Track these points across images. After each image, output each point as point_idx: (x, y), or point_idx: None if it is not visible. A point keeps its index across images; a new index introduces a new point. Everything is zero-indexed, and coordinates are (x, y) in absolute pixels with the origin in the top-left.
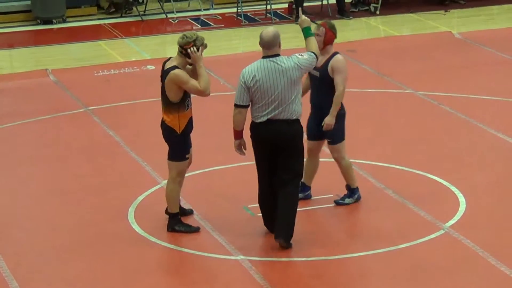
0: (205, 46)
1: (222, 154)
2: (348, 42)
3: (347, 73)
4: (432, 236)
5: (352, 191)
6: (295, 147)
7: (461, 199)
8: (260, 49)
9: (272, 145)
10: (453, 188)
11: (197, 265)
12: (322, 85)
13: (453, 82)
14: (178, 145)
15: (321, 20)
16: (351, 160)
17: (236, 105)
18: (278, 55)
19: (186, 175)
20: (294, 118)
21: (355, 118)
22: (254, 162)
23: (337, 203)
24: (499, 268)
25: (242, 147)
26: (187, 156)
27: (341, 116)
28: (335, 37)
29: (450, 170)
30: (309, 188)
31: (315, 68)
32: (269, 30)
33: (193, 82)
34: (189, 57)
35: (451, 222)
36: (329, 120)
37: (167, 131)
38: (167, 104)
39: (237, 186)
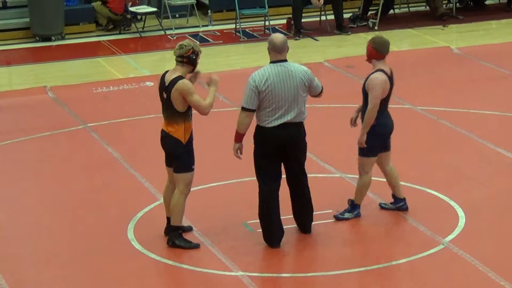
0: (200, 52)
1: (221, 170)
2: (346, 57)
3: (380, 92)
4: (432, 251)
5: (353, 207)
6: (304, 148)
7: (461, 213)
8: (259, 64)
9: (281, 149)
10: (452, 203)
11: (196, 281)
12: (363, 99)
13: (452, 97)
14: (185, 156)
15: (318, 36)
16: (350, 175)
17: (244, 109)
18: (286, 60)
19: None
20: (302, 121)
21: (355, 133)
22: (252, 178)
23: (337, 218)
24: (499, 283)
25: (239, 151)
26: (193, 167)
27: (371, 131)
28: (377, 53)
29: (450, 185)
30: (401, 200)
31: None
32: (279, 35)
33: (197, 96)
34: (192, 64)
35: (451, 236)
36: (359, 138)
37: (172, 143)
38: (173, 115)
39: (236, 202)
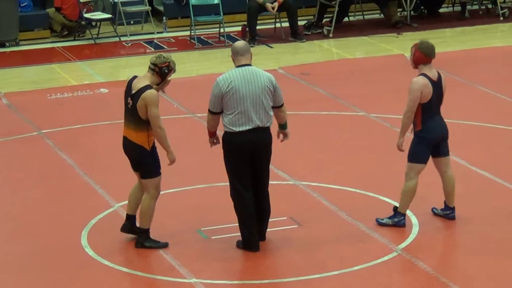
0: (174, 71)
1: (176, 177)
2: (301, 65)
3: (416, 96)
4: (386, 258)
5: (396, 215)
6: (270, 154)
7: (414, 221)
8: (214, 71)
9: (250, 153)
10: (406, 210)
11: None
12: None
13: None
14: (151, 162)
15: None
16: (304, 182)
17: (210, 111)
18: (251, 65)
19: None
20: (269, 125)
21: (309, 140)
22: (207, 185)
23: (377, 221)
24: None
25: (215, 140)
26: (160, 171)
27: (418, 138)
28: (425, 57)
29: None
30: (450, 208)
31: None
32: (240, 41)
33: (158, 111)
34: (161, 76)
35: (404, 244)
36: (397, 141)
37: (136, 150)
38: (137, 122)
39: (190, 209)
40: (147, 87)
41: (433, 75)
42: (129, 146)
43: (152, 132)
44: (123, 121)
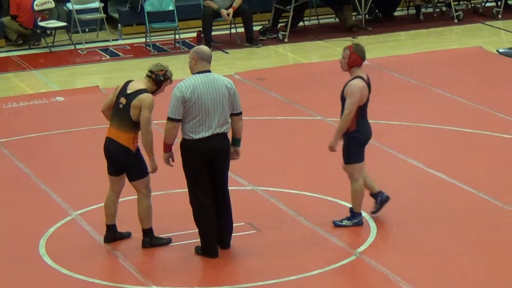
0: (171, 82)
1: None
2: (257, 70)
3: (358, 98)
4: (344, 262)
5: (353, 215)
6: (229, 158)
7: (372, 224)
8: None
9: (210, 159)
10: (363, 214)
11: None
12: (342, 106)
13: None
14: (138, 163)
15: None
16: (262, 188)
17: (170, 119)
18: (210, 71)
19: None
20: (228, 131)
21: (266, 145)
22: (166, 191)
23: (335, 224)
24: None
25: (171, 159)
26: (147, 170)
27: (353, 138)
28: (361, 59)
29: None
30: (379, 192)
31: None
32: (206, 47)
33: (150, 115)
34: (157, 84)
35: (363, 247)
36: (330, 143)
37: (122, 152)
38: (125, 123)
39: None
40: (145, 90)
41: (365, 77)
42: (113, 147)
43: (137, 135)
44: (79, 129)
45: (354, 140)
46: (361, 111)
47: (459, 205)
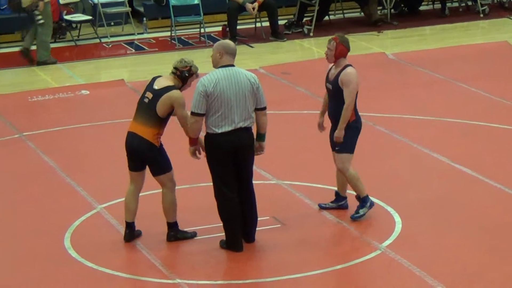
0: (197, 76)
1: None
2: (282, 64)
3: (356, 86)
4: (369, 256)
5: (363, 200)
6: (253, 152)
7: (397, 218)
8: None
9: (233, 154)
10: (389, 208)
11: None
12: (335, 97)
13: (387, 103)
14: (162, 157)
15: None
16: (287, 182)
17: (193, 114)
18: (234, 65)
19: (123, 199)
20: (251, 125)
21: (291, 139)
22: (191, 185)
23: (353, 218)
24: (435, 287)
25: (197, 152)
26: (171, 165)
27: (352, 128)
28: (347, 50)
29: (386, 190)
30: (344, 198)
31: (328, 81)
32: (230, 41)
33: (186, 112)
34: (183, 80)
35: (387, 242)
36: (337, 133)
37: (146, 146)
38: (151, 118)
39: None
40: (173, 87)
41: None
42: (136, 141)
43: (161, 131)
44: (104, 122)
45: (356, 130)
46: (356, 100)
47: (484, 200)
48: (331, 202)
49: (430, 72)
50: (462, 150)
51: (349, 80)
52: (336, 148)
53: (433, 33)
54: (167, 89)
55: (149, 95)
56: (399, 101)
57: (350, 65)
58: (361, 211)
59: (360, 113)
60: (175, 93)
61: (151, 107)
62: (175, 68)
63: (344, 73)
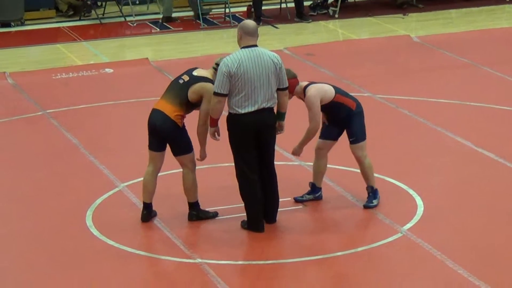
0: None
1: None
2: (306, 45)
3: (318, 108)
4: (390, 239)
5: (374, 192)
6: (275, 133)
7: (419, 202)
8: (219, 51)
9: (256, 134)
10: (411, 191)
11: (154, 268)
12: (326, 112)
13: (412, 86)
14: (184, 138)
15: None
16: (309, 163)
17: (216, 94)
18: (257, 45)
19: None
20: (274, 105)
21: None
22: (212, 165)
23: (366, 206)
24: (456, 271)
25: (217, 133)
26: (192, 147)
27: (357, 114)
28: (295, 78)
29: (408, 173)
30: (319, 189)
31: None
32: (250, 21)
33: (209, 110)
34: None
35: (409, 225)
36: (296, 150)
37: (169, 125)
38: (181, 99)
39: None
40: (210, 80)
41: None
42: (160, 118)
43: (185, 115)
44: (127, 101)
45: (361, 115)
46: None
47: (508, 185)
48: (307, 193)
49: (455, 55)
50: (486, 134)
51: (311, 103)
52: (351, 139)
53: (458, 16)
54: (204, 79)
55: (186, 77)
56: (423, 84)
57: (308, 85)
58: (375, 202)
59: (383, 95)
60: (208, 85)
61: (184, 89)
62: (216, 64)
63: (306, 98)
